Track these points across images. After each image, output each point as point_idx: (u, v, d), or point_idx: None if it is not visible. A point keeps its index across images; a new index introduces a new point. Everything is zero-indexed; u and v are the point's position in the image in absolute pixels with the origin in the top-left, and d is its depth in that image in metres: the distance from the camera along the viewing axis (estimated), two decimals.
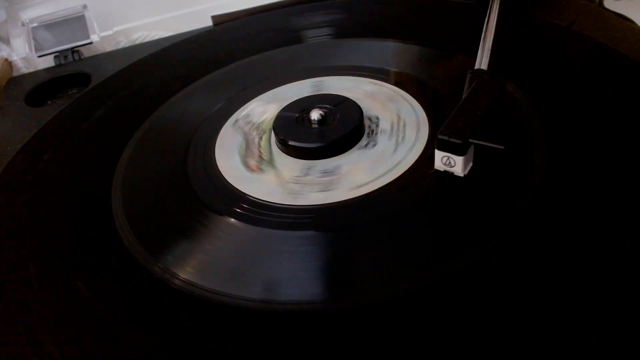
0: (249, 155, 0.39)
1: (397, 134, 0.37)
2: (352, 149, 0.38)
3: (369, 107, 0.41)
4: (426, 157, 0.36)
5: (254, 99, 0.45)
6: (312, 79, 0.47)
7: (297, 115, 0.40)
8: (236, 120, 0.43)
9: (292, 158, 0.38)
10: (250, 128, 0.42)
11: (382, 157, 0.37)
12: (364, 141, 0.38)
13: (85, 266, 0.33)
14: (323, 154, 0.37)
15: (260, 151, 0.40)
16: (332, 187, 0.35)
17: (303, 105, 0.41)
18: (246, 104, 0.45)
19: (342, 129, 0.38)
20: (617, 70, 0.41)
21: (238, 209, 0.35)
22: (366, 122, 0.39)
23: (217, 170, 0.38)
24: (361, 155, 0.37)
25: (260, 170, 0.38)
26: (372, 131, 0.39)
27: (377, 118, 0.40)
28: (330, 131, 0.38)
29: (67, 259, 0.34)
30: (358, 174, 0.35)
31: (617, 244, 0.29)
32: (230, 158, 0.39)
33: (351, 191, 0.34)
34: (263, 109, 0.44)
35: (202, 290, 0.30)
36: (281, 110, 0.41)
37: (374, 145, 0.38)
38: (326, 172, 0.36)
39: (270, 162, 0.38)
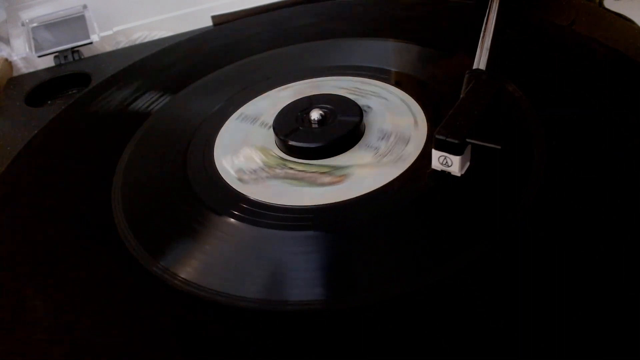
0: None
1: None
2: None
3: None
4: (425, 156, 0.36)
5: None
6: (312, 79, 0.47)
7: (297, 115, 0.40)
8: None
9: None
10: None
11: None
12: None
13: (85, 266, 0.33)
14: (321, 154, 0.37)
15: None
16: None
17: (303, 105, 0.41)
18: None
19: (340, 129, 0.38)
20: (617, 70, 0.41)
21: (238, 209, 0.35)
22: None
23: (217, 170, 0.38)
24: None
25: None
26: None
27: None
28: (329, 131, 0.38)
29: (67, 259, 0.34)
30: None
31: (617, 244, 0.29)
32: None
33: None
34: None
35: (202, 290, 0.30)
36: (281, 110, 0.41)
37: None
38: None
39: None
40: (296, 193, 0.35)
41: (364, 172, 0.36)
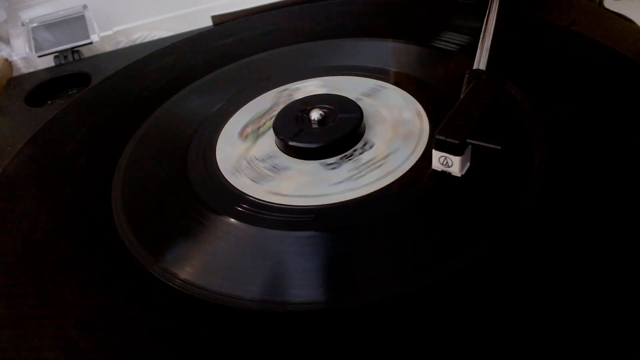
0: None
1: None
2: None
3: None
4: (426, 158, 0.36)
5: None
6: (312, 79, 0.47)
7: (297, 114, 0.40)
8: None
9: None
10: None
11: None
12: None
13: (85, 266, 0.33)
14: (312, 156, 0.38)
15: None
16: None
17: (303, 105, 0.41)
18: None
19: (340, 129, 0.38)
20: (617, 70, 0.41)
21: (238, 209, 0.35)
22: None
23: (217, 170, 0.38)
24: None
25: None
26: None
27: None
28: (328, 131, 0.38)
29: (67, 259, 0.34)
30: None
31: (617, 244, 0.29)
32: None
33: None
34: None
35: (202, 290, 0.30)
36: (281, 110, 0.41)
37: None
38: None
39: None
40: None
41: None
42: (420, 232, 0.32)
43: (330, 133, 0.38)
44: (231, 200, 0.35)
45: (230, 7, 0.61)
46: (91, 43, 0.59)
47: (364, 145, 0.38)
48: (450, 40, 0.48)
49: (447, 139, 0.32)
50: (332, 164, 0.37)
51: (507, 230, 0.30)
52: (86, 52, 0.60)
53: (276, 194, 0.35)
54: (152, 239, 0.34)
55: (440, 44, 0.48)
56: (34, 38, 0.59)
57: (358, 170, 0.36)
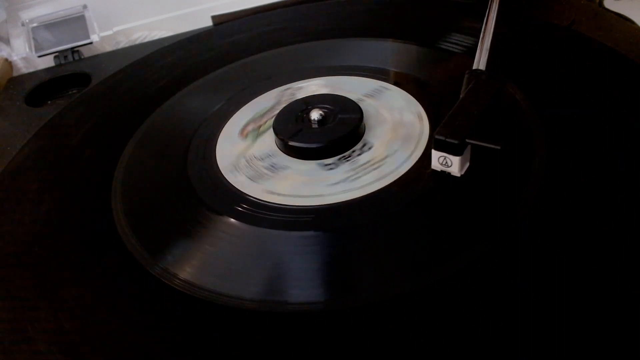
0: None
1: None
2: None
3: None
4: (426, 158, 0.36)
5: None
6: (315, 79, 0.47)
7: (297, 114, 0.40)
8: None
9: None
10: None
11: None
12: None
13: (85, 266, 0.33)
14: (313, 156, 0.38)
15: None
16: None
17: (303, 105, 0.41)
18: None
19: (340, 130, 0.38)
20: (617, 70, 0.41)
21: (238, 209, 0.35)
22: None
23: (217, 170, 0.38)
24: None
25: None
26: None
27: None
28: (328, 132, 0.38)
29: (67, 259, 0.34)
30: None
31: (617, 244, 0.29)
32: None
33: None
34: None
35: (202, 290, 0.30)
36: (281, 109, 0.41)
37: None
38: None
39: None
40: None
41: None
42: (420, 232, 0.32)
43: (330, 133, 0.38)
44: (231, 200, 0.35)
45: (230, 7, 0.61)
46: (91, 43, 0.59)
47: (363, 146, 0.38)
48: (450, 40, 0.48)
49: (447, 139, 0.32)
50: (329, 164, 0.37)
51: (507, 230, 0.30)
52: (86, 52, 0.60)
53: (273, 193, 0.35)
54: (152, 239, 0.34)
55: (443, 45, 0.48)
56: (34, 38, 0.59)
57: (355, 172, 0.36)
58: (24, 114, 0.51)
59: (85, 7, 0.61)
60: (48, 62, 0.59)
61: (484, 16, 0.44)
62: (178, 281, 0.31)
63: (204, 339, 0.28)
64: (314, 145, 0.38)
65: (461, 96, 0.35)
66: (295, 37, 0.54)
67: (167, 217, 0.36)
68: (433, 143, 0.33)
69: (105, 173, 0.40)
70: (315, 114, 0.39)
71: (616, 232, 0.29)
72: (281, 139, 0.39)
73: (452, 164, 0.33)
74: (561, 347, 0.25)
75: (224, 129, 0.43)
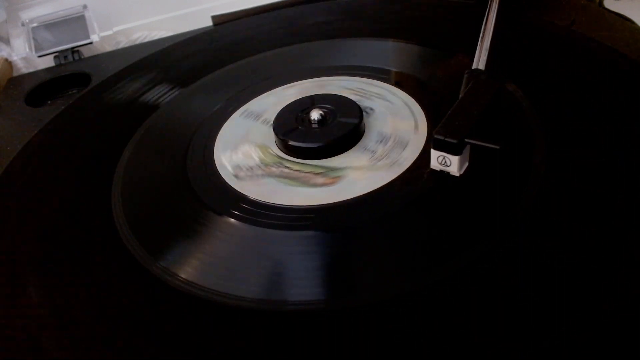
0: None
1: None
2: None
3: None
4: (425, 157, 0.36)
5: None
6: (312, 79, 0.47)
7: (297, 115, 0.40)
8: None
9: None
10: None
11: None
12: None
13: (85, 266, 0.33)
14: (319, 155, 0.38)
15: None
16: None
17: (303, 105, 0.41)
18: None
19: (340, 129, 0.38)
20: (617, 70, 0.41)
21: (238, 209, 0.35)
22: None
23: (217, 170, 0.38)
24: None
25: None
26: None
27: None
28: (328, 132, 0.38)
29: (67, 259, 0.34)
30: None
31: (617, 244, 0.29)
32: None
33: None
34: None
35: (202, 290, 0.30)
36: (281, 109, 0.41)
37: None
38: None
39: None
40: (288, 192, 0.35)
41: (357, 174, 0.36)
42: (419, 232, 0.32)
43: (330, 133, 0.38)
44: (231, 200, 0.35)
45: (230, 7, 0.61)
46: (91, 43, 0.59)
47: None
48: (450, 40, 0.48)
49: (446, 139, 0.32)
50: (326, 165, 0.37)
51: (507, 230, 0.30)
52: (86, 52, 0.60)
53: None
54: (152, 239, 0.34)
55: (441, 44, 0.48)
56: (34, 38, 0.59)
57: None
58: (24, 114, 0.51)
59: (85, 7, 0.61)
60: (48, 62, 0.59)
61: (484, 16, 0.44)
62: (178, 281, 0.31)
63: (204, 338, 0.28)
64: (312, 145, 0.38)
65: (461, 96, 0.35)
66: (295, 38, 0.54)
67: (167, 217, 0.36)
68: (432, 142, 0.33)
69: (105, 173, 0.40)
70: (315, 114, 0.39)
71: (616, 232, 0.29)
72: (280, 139, 0.38)
73: (451, 164, 0.33)
74: (561, 347, 0.25)
75: (223, 129, 0.42)
